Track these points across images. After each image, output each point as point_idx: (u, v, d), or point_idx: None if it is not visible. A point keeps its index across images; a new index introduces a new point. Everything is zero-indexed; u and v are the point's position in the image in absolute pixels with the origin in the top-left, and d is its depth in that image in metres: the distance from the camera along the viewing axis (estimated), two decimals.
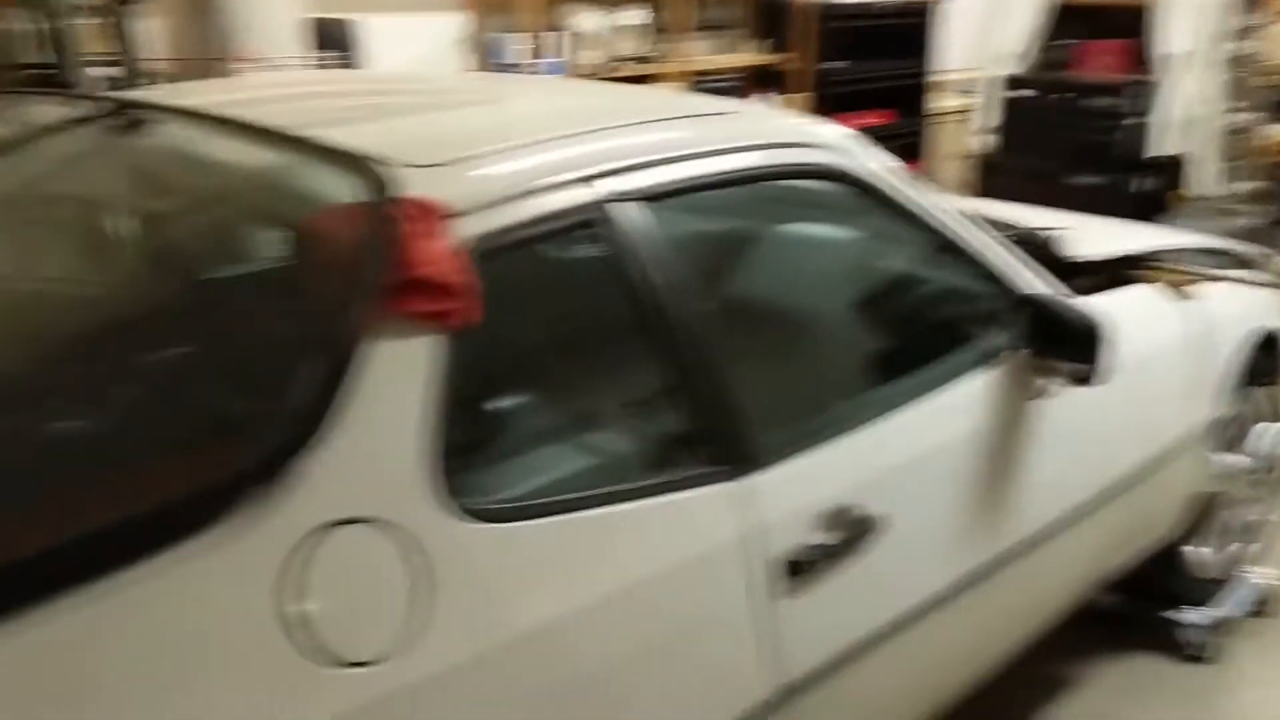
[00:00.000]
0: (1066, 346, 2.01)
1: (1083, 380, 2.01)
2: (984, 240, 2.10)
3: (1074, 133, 5.99)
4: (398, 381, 1.32)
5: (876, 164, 1.98)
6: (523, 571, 1.37)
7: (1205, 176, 5.78)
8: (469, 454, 1.36)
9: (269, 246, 1.41)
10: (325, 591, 1.22)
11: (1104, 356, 1.97)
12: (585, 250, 1.57)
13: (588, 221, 1.55)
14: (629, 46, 5.61)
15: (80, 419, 1.29)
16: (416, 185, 1.42)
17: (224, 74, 4.16)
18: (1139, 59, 6.05)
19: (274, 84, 2.74)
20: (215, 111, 1.67)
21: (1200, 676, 2.77)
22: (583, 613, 1.40)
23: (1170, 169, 5.80)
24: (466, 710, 1.30)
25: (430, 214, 1.39)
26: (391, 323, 1.32)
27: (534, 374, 1.58)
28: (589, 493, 1.46)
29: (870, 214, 1.99)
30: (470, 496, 1.35)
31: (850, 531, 1.72)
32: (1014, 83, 6.37)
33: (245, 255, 1.43)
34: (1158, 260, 2.68)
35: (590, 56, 5.39)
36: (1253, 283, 2.86)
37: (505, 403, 1.50)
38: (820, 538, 1.68)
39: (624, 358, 1.59)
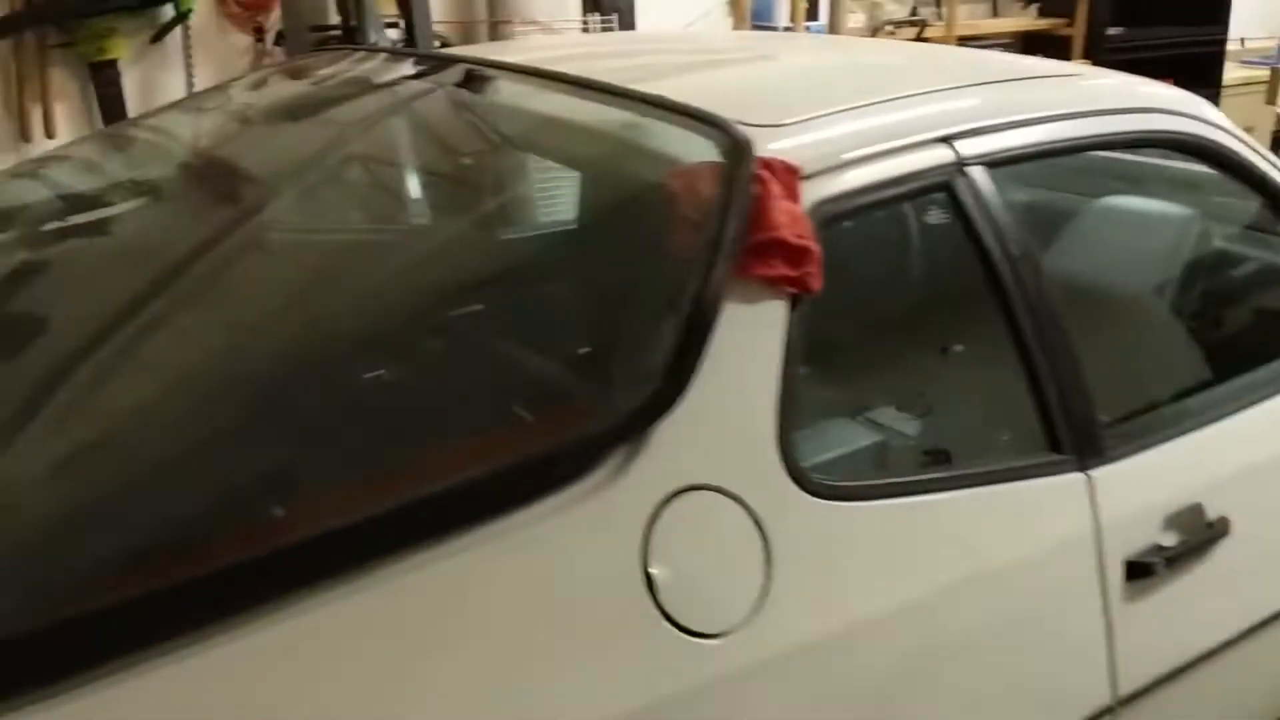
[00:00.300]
0: None
1: None
2: None
3: None
4: (750, 347, 1.28)
5: (1229, 131, 1.80)
6: (861, 554, 1.31)
7: None
8: (808, 427, 1.30)
9: (621, 203, 1.40)
10: (682, 557, 1.19)
11: None
12: (933, 216, 1.49)
13: (940, 185, 1.46)
14: (894, 9, 5.41)
15: (449, 372, 1.30)
16: (764, 145, 1.36)
17: (504, 37, 4.25)
18: None
19: (567, 45, 2.75)
20: (551, 69, 1.66)
21: None
22: (922, 601, 1.33)
23: None
24: (800, 696, 1.25)
25: (789, 175, 1.33)
26: (745, 287, 1.28)
27: (873, 347, 1.51)
28: (931, 475, 1.38)
29: (1221, 187, 1.82)
30: (810, 471, 1.29)
31: (1196, 535, 1.58)
32: None
33: (597, 211, 1.41)
34: None
35: (855, 19, 5.23)
36: None
37: (844, 376, 1.43)
38: (1165, 539, 1.55)
39: (968, 334, 1.50)
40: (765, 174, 1.31)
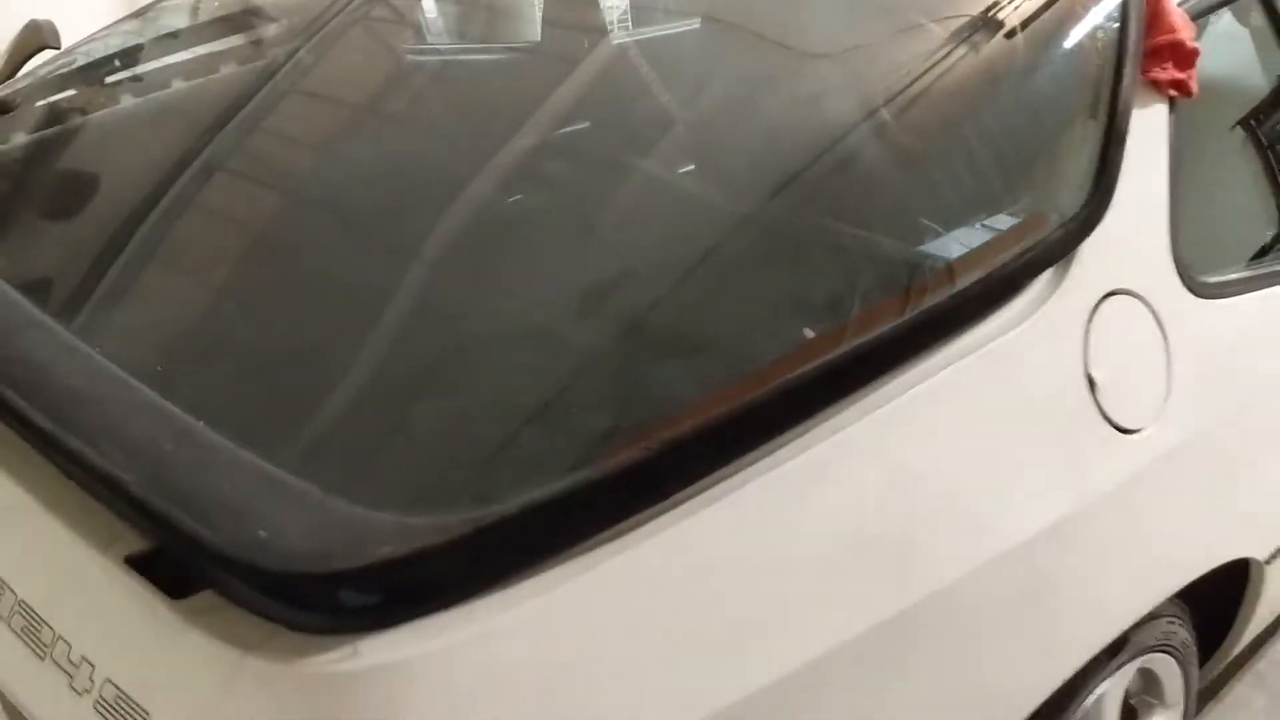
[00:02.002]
0: None
1: None
2: None
3: None
4: (1148, 155, 1.30)
5: None
6: (1235, 346, 1.39)
7: None
8: (1188, 230, 1.34)
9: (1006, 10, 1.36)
10: (1108, 359, 1.23)
11: None
12: (1249, 19, 1.51)
13: None
14: None
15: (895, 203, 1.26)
16: None
17: None
18: None
19: None
20: None
21: None
22: (1275, 387, 1.43)
23: None
24: (1205, 471, 1.35)
25: None
26: (1140, 93, 1.29)
27: (1223, 145, 1.54)
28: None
29: None
30: (1195, 272, 1.34)
31: None
32: None
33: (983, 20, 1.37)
34: None
35: None
36: None
37: (1204, 176, 1.46)
38: None
39: None
40: None
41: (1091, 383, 1.22)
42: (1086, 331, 1.22)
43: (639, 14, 1.63)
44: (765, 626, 0.99)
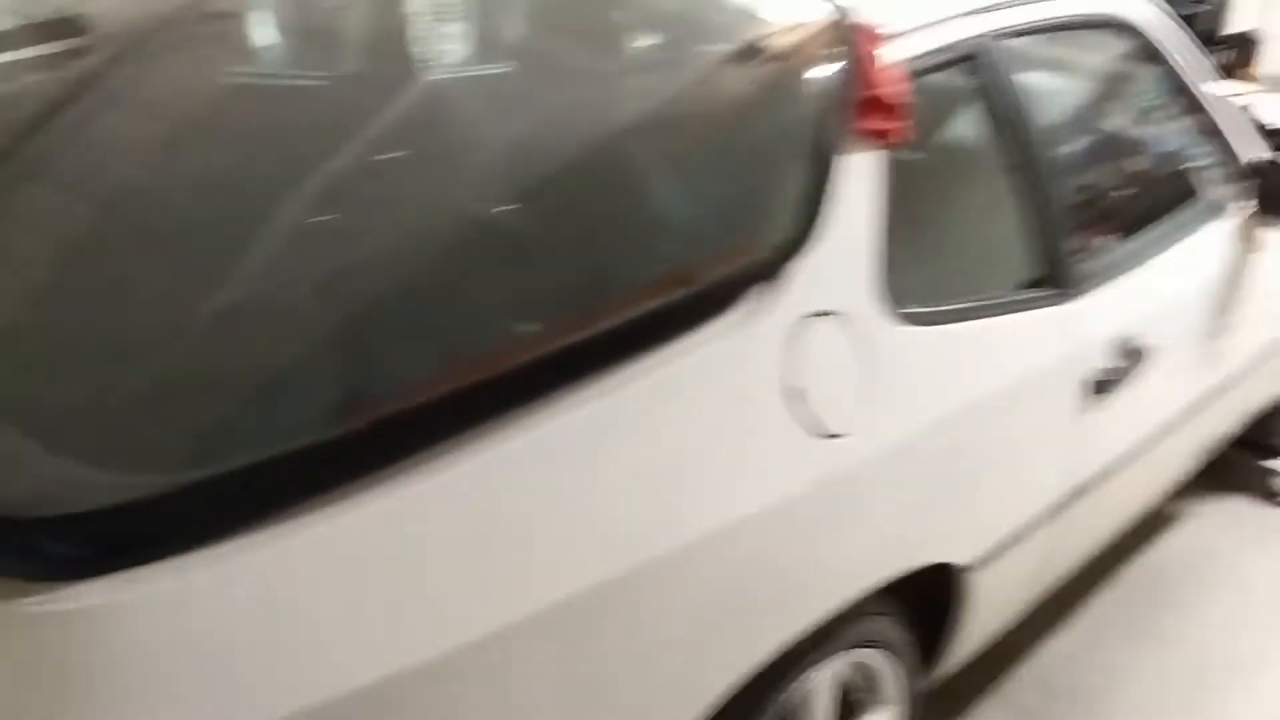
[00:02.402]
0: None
1: None
2: (1220, 106, 2.28)
3: None
4: (857, 195, 1.46)
5: (1159, 20, 2.12)
6: (935, 367, 1.55)
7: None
8: (895, 264, 1.51)
9: (733, 66, 1.51)
10: (809, 371, 1.37)
11: None
12: (963, 83, 1.71)
13: (971, 55, 1.68)
14: None
15: (617, 224, 1.40)
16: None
17: None
18: None
19: None
20: None
21: None
22: (969, 407, 1.60)
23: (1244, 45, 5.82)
24: (898, 479, 1.50)
25: (877, 39, 1.51)
26: (851, 140, 1.46)
27: (935, 194, 1.73)
28: (980, 303, 1.64)
29: (1146, 70, 2.15)
30: (899, 299, 1.50)
31: (1134, 357, 1.92)
32: None
33: (710, 71, 1.53)
34: None
35: None
36: None
37: (915, 218, 1.64)
38: (1116, 360, 1.87)
39: (998, 187, 1.75)
40: (861, 36, 1.48)
41: (792, 392, 1.35)
42: (791, 346, 1.36)
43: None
44: (459, 596, 1.08)
